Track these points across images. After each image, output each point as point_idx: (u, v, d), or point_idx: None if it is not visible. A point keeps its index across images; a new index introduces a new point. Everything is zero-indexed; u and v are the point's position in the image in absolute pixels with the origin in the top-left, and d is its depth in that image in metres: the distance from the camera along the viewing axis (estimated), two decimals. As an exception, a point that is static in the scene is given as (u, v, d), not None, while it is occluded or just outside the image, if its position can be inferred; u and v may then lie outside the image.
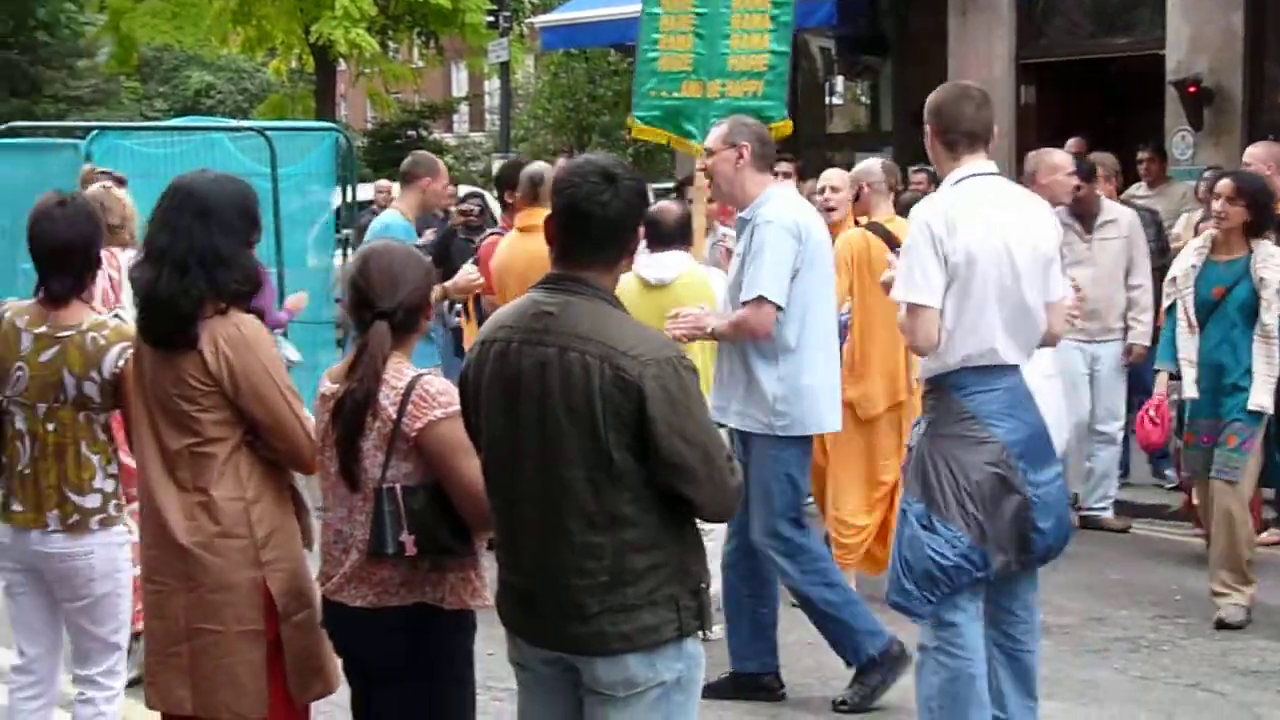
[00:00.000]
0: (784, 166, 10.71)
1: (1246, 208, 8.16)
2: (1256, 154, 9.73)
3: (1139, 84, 15.42)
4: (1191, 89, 14.35)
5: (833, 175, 9.27)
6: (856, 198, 9.05)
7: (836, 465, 8.63)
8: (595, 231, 4.11)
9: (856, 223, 8.96)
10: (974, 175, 5.63)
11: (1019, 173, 9.24)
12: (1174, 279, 8.43)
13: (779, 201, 6.84)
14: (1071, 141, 13.01)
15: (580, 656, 4.10)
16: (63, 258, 5.24)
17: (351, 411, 4.44)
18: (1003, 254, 5.50)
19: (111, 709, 5.42)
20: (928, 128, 5.74)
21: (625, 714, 4.09)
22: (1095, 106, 16.03)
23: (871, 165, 9.09)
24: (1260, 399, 8.02)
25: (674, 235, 7.96)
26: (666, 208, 8.15)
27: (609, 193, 4.08)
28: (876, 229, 8.66)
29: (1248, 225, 8.19)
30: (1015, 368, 5.62)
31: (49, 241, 5.26)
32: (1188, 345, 8.26)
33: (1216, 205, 8.31)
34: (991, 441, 5.52)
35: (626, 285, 7.59)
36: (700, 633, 4.17)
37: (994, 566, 5.55)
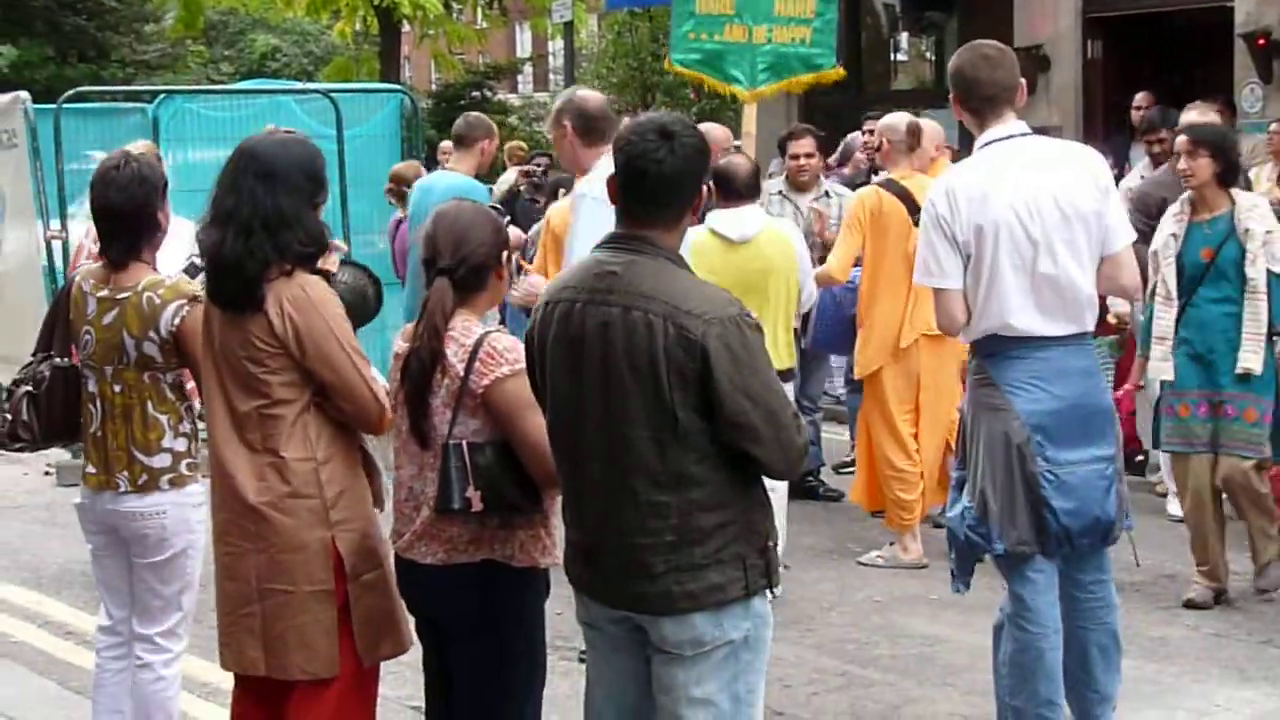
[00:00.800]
0: (805, 145, 10.35)
1: (1211, 158, 7.66)
2: None
3: (1207, 37, 15.23)
4: (1261, 41, 14.16)
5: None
6: (879, 149, 9.04)
7: (864, 427, 8.81)
8: (652, 189, 4.09)
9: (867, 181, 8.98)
10: (999, 140, 5.52)
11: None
12: (1154, 253, 7.85)
13: (596, 176, 6.71)
14: (1140, 96, 12.87)
15: (647, 616, 4.11)
16: (117, 221, 5.28)
17: (417, 369, 4.46)
18: (1014, 225, 5.38)
19: (170, 673, 5.45)
20: (951, 95, 5.67)
21: (693, 673, 4.10)
22: (1162, 60, 15.84)
23: (895, 120, 9.00)
24: (1248, 362, 7.55)
25: (746, 189, 7.92)
26: (738, 162, 8.10)
27: (664, 149, 4.05)
28: (892, 186, 8.63)
29: (1219, 176, 7.68)
30: (1056, 338, 5.47)
31: (102, 205, 5.30)
32: (1163, 321, 7.75)
33: (1180, 165, 7.84)
34: (1006, 409, 5.43)
35: (705, 244, 7.60)
36: (768, 591, 4.17)
37: (1003, 544, 5.48)
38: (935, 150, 9.29)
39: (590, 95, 7.10)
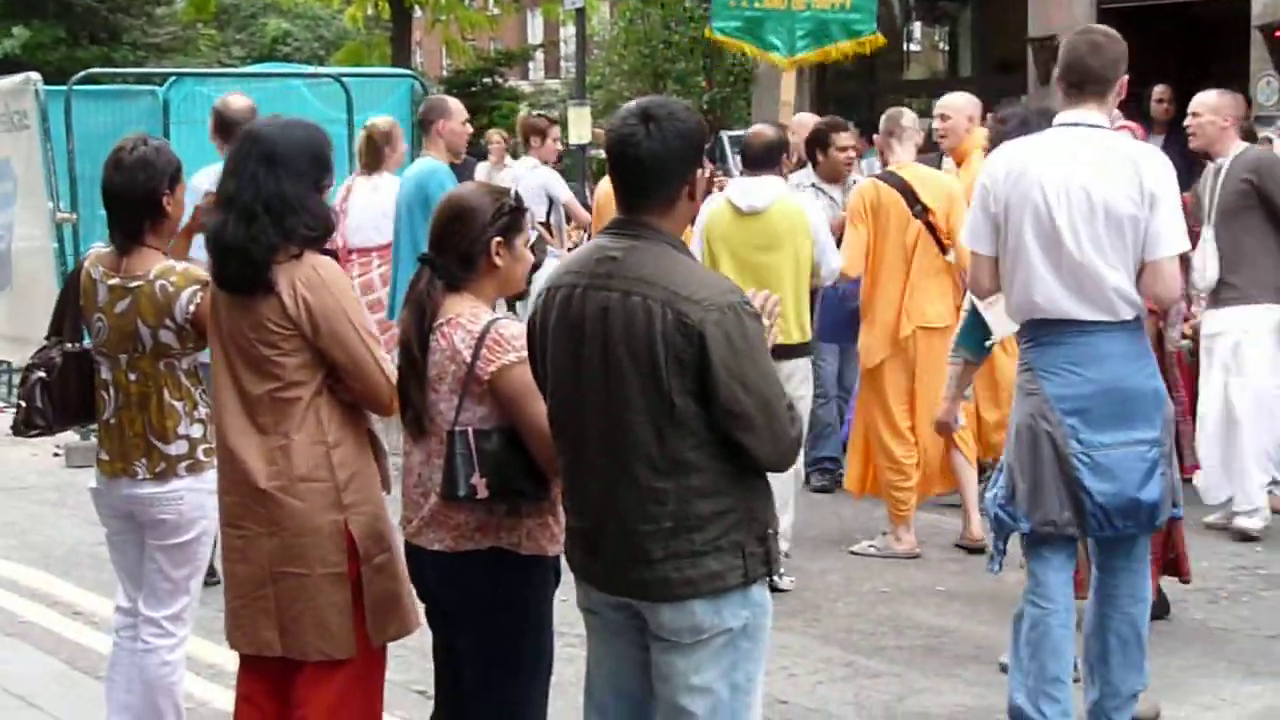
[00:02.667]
0: (849, 138, 10.26)
1: None
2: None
3: (1223, 28, 15.19)
4: (1277, 33, 14.12)
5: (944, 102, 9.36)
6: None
7: (861, 417, 8.85)
8: (634, 173, 4.07)
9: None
10: (1065, 125, 5.60)
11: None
12: None
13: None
14: (1159, 89, 12.85)
15: (645, 602, 4.11)
16: (120, 205, 5.28)
17: (401, 356, 4.47)
18: (1039, 205, 5.42)
19: (174, 658, 5.45)
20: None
21: (691, 661, 4.09)
22: (1178, 51, 15.79)
23: (902, 111, 9.10)
24: None
25: (762, 158, 7.90)
26: (760, 130, 8.10)
27: (642, 133, 4.02)
28: (889, 177, 8.66)
29: None
30: (1094, 323, 5.46)
31: (107, 188, 5.31)
32: None
33: None
34: (1036, 394, 5.50)
35: (718, 211, 7.59)
36: (768, 578, 4.16)
37: (1029, 525, 5.51)
38: (969, 122, 9.31)
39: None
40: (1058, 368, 5.49)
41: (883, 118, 9.10)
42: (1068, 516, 5.48)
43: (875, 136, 9.42)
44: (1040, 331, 5.54)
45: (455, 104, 9.67)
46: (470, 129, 9.81)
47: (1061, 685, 5.57)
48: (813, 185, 10.17)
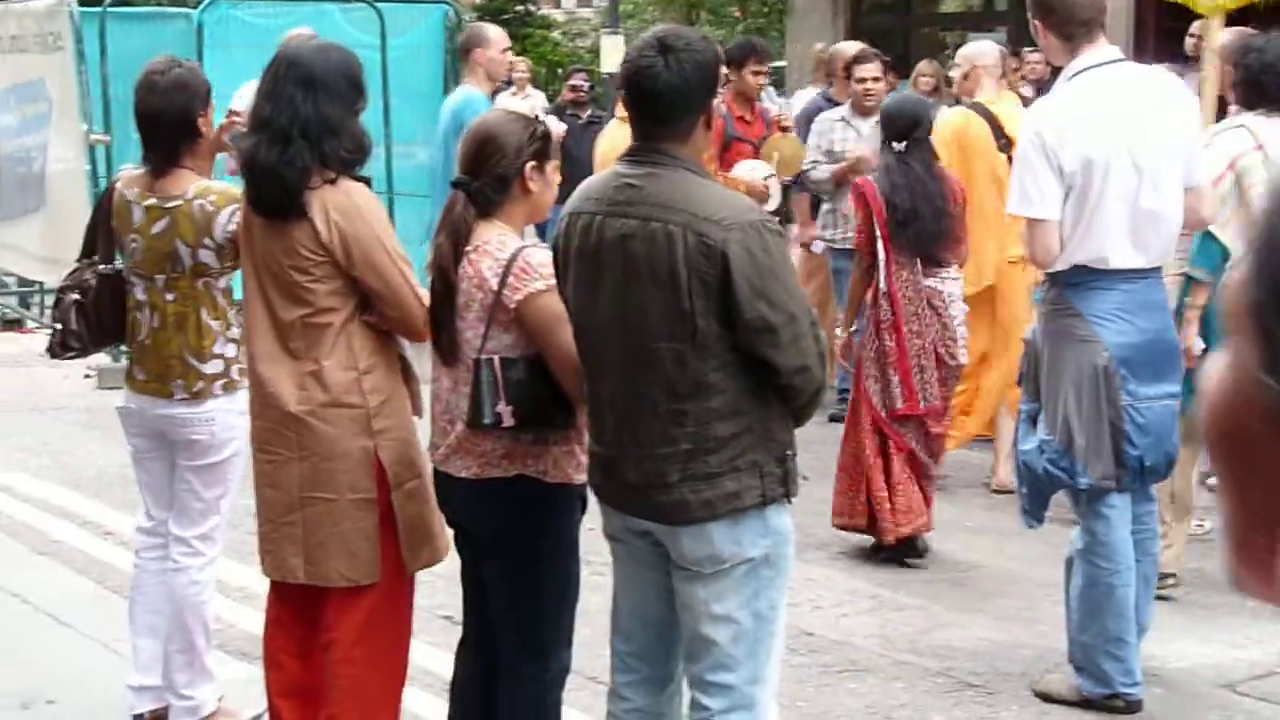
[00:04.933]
0: (873, 69, 10.18)
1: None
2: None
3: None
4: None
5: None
6: (965, 77, 8.98)
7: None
8: (651, 103, 4.06)
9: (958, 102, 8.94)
10: (1094, 66, 5.43)
11: (1137, 56, 9.00)
12: None
13: None
14: (1198, 24, 12.68)
15: (665, 526, 4.12)
16: (155, 126, 5.26)
17: (435, 281, 4.47)
18: (1123, 155, 5.31)
19: (204, 577, 5.47)
20: (1037, 22, 5.55)
21: (713, 590, 4.11)
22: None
23: (985, 46, 9.09)
24: None
25: None
26: None
27: (660, 63, 4.01)
28: (979, 109, 8.59)
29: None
30: (1141, 271, 5.42)
31: (143, 110, 5.29)
32: None
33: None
34: (1093, 341, 5.39)
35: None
36: (786, 500, 4.16)
37: (1089, 478, 5.46)
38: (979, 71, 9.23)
39: None
40: (1111, 314, 5.38)
41: (962, 54, 9.07)
42: (1111, 470, 5.44)
43: (945, 73, 9.37)
44: (1086, 277, 5.42)
45: (496, 32, 9.63)
46: (510, 58, 9.76)
47: (1125, 645, 5.56)
48: (841, 118, 10.15)
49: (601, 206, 4.11)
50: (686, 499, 4.05)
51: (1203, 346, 6.42)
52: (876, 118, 9.90)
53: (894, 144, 7.45)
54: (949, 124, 8.58)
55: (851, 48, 11.02)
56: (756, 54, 9.89)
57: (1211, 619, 6.73)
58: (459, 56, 9.65)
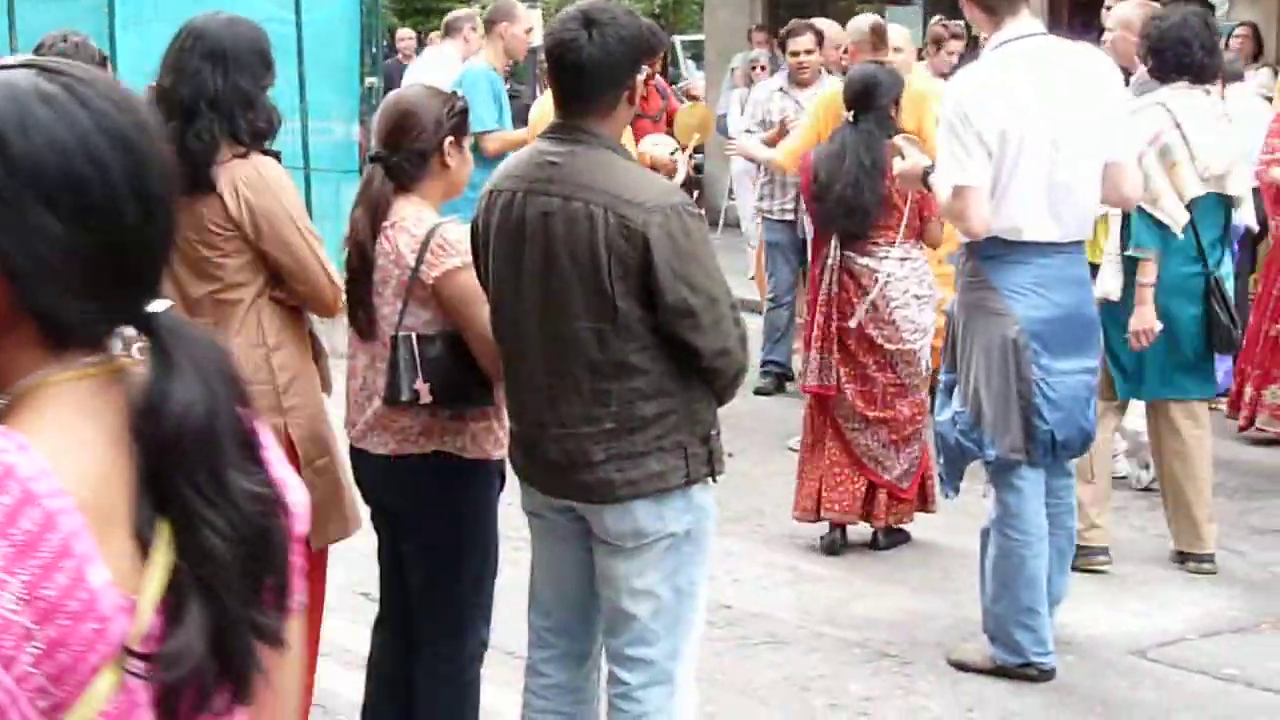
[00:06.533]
0: (805, 42, 10.25)
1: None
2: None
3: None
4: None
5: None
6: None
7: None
8: (574, 78, 4.05)
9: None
10: (1016, 39, 5.45)
11: (1051, 27, 9.05)
12: None
13: None
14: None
15: (589, 505, 4.12)
16: None
17: (352, 256, 4.45)
18: (1040, 128, 5.33)
19: None
20: None
21: (634, 565, 4.12)
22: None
23: (859, 23, 9.23)
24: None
25: None
26: None
27: (583, 37, 4.00)
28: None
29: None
30: (1057, 245, 5.44)
31: None
32: None
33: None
34: (1005, 314, 5.41)
35: None
36: (710, 480, 4.18)
37: (996, 451, 5.50)
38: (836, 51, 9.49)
39: None
40: (1026, 288, 5.39)
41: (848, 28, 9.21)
42: (1020, 443, 5.47)
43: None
44: (1002, 249, 5.43)
45: (522, 9, 9.63)
46: (532, 38, 9.72)
47: (1036, 615, 5.61)
48: (780, 89, 10.29)
49: (522, 184, 4.09)
50: (611, 478, 4.05)
51: (1160, 326, 6.47)
52: (814, 88, 10.01)
53: (848, 114, 7.18)
54: (824, 97, 8.77)
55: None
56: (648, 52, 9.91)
57: (1124, 587, 6.81)
58: (485, 26, 9.57)
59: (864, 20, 9.22)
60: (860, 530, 7.37)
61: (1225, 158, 6.64)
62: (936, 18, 12.41)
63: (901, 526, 7.38)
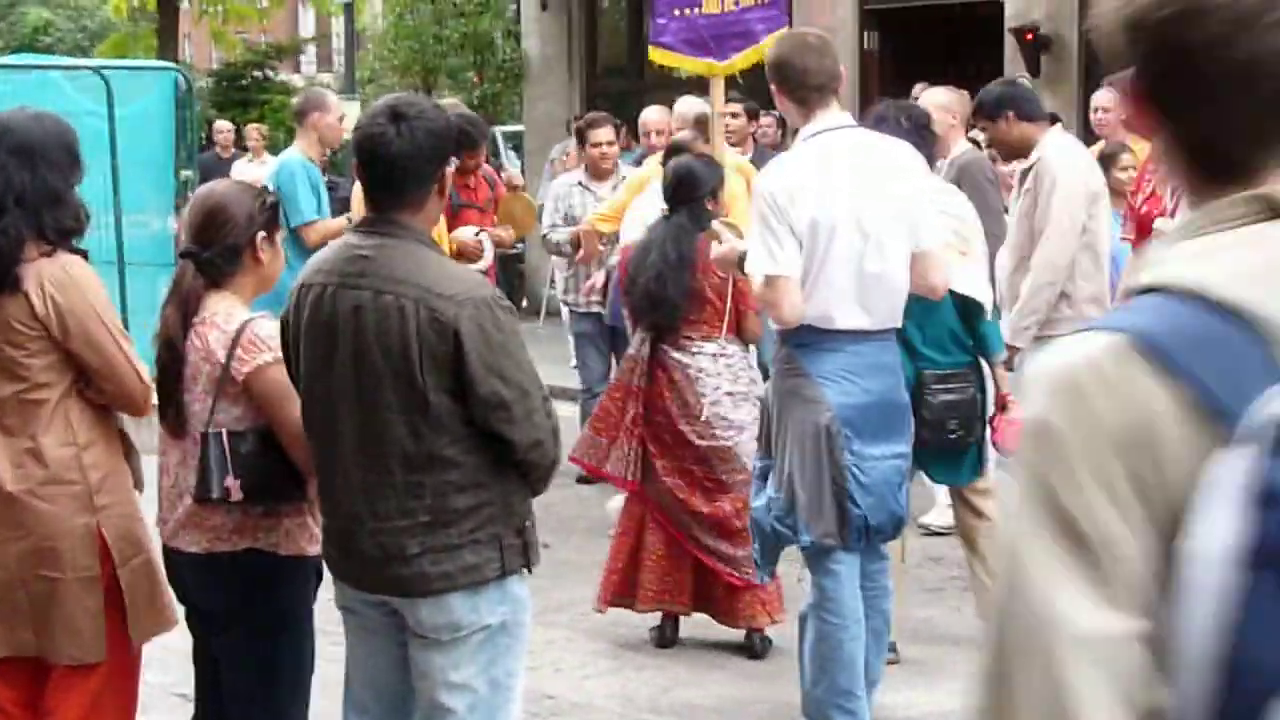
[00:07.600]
0: (607, 133, 10.30)
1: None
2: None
3: (980, 30, 15.57)
4: (1029, 36, 14.53)
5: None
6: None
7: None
8: (383, 172, 4.08)
9: None
10: (826, 130, 5.54)
11: (862, 120, 9.26)
12: None
13: None
14: (918, 87, 13.10)
15: (403, 599, 4.11)
16: None
17: (162, 353, 4.42)
18: (849, 219, 5.39)
19: None
20: (773, 85, 5.67)
21: (450, 658, 4.11)
22: (938, 53, 16.15)
23: (685, 109, 9.41)
24: None
25: None
26: None
27: (392, 132, 4.03)
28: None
29: None
30: (868, 332, 5.50)
31: None
32: None
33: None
34: (818, 401, 5.46)
35: None
36: (525, 571, 4.19)
37: (811, 536, 5.56)
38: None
39: None
40: (837, 375, 5.45)
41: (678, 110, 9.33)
42: (834, 528, 5.53)
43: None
44: (814, 338, 5.48)
45: (333, 99, 9.56)
46: (345, 126, 9.63)
47: (854, 698, 5.64)
48: (579, 183, 10.21)
49: (333, 279, 4.10)
50: (426, 571, 4.05)
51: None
52: (613, 180, 10.06)
53: (664, 206, 7.10)
54: (639, 176, 8.97)
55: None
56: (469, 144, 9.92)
57: (943, 666, 6.89)
58: (295, 119, 9.52)
59: (689, 107, 9.35)
60: (695, 620, 7.36)
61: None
62: (765, 111, 12.62)
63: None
